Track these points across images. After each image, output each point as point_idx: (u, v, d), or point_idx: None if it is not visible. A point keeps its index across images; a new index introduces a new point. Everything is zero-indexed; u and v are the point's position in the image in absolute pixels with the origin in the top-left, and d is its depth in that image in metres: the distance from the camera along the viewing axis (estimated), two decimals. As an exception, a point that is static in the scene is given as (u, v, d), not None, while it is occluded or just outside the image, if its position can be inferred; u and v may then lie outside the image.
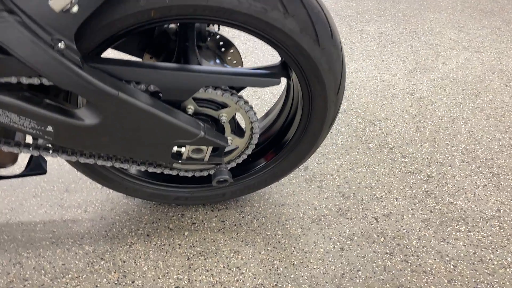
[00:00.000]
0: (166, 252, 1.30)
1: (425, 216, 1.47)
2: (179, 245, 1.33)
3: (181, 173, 1.24)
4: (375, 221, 1.45)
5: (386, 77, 2.42)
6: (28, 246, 1.29)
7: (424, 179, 1.63)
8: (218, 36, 1.24)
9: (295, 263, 1.29)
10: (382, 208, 1.50)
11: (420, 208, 1.50)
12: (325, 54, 1.03)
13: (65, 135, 0.98)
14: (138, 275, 1.22)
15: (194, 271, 1.25)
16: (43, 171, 1.25)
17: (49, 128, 0.96)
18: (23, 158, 1.56)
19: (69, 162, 1.24)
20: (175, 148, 1.08)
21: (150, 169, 1.21)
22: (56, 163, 1.62)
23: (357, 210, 1.49)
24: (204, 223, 1.41)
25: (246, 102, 1.07)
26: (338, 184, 1.60)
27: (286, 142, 1.28)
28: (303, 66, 1.04)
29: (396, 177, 1.64)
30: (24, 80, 0.91)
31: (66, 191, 1.50)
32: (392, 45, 2.81)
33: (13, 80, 0.91)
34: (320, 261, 1.30)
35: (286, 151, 1.29)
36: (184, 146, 1.08)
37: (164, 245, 1.33)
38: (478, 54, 2.68)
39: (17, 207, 1.42)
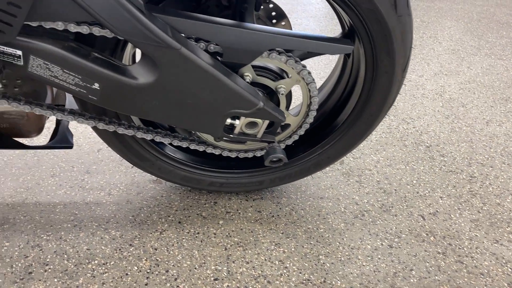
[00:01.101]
0: (201, 241, 1.17)
1: (474, 216, 1.37)
2: (214, 234, 1.20)
3: (225, 153, 1.12)
4: (421, 219, 1.35)
5: (413, 77, 2.35)
6: (48, 228, 1.15)
7: (467, 179, 1.54)
8: (271, 5, 1.14)
9: (342, 259, 1.17)
10: (427, 206, 1.40)
11: (467, 208, 1.40)
12: (400, 23, 0.94)
13: (112, 95, 0.86)
14: (172, 264, 1.09)
15: (233, 262, 1.12)
16: (70, 145, 1.13)
17: (96, 86, 0.84)
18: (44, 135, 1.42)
19: (101, 135, 1.11)
20: (228, 120, 0.97)
21: (193, 146, 1.09)
22: (75, 143, 1.49)
23: (401, 207, 1.39)
24: (239, 213, 1.29)
25: (309, 73, 0.97)
26: (378, 179, 1.50)
27: (338, 124, 1.18)
28: (375, 34, 0.94)
29: (437, 175, 1.55)
30: (72, 28, 0.80)
31: (87, 172, 1.37)
32: (414, 48, 2.75)
33: (60, 26, 0.79)
34: (369, 258, 1.18)
35: (337, 135, 1.18)
36: (239, 118, 0.97)
37: (198, 233, 1.20)
38: (501, 61, 2.64)
39: (33, 187, 1.28)
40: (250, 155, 1.14)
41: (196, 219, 1.25)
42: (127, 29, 0.76)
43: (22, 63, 0.82)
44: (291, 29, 1.20)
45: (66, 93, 1.10)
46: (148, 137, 1.03)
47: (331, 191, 1.42)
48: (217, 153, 1.12)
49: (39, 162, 1.38)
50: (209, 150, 1.11)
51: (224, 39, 0.85)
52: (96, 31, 0.81)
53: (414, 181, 1.51)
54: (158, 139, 1.05)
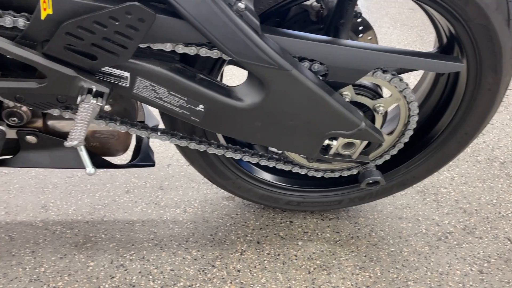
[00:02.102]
0: (283, 263, 1.14)
1: None
2: (295, 256, 1.16)
3: (311, 173, 1.09)
4: (509, 242, 1.27)
5: (475, 88, 2.25)
6: (130, 247, 1.14)
7: (551, 199, 1.45)
8: (359, 19, 1.10)
9: (432, 285, 1.11)
10: (513, 228, 1.32)
11: (557, 230, 1.32)
12: (511, 39, 0.88)
13: (215, 117, 0.83)
14: (258, 287, 1.06)
15: (320, 287, 1.08)
16: (152, 163, 1.11)
17: (200, 108, 0.82)
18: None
19: (184, 153, 1.10)
20: (325, 141, 0.93)
21: (279, 165, 1.06)
22: (142, 159, 1.48)
23: (484, 228, 1.31)
24: (317, 233, 1.25)
25: (412, 91, 0.92)
26: (456, 198, 1.43)
27: (427, 143, 1.12)
28: (483, 50, 0.89)
29: (518, 194, 1.46)
30: (180, 49, 0.78)
31: (160, 188, 1.36)
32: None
33: (168, 47, 0.78)
34: (460, 285, 1.12)
35: (426, 154, 1.13)
36: (336, 139, 0.93)
37: (278, 254, 1.16)
38: None
39: (110, 203, 1.28)
40: (336, 175, 1.10)
41: (274, 239, 1.21)
42: (241, 51, 0.74)
43: (128, 85, 0.80)
44: (377, 41, 1.16)
45: (145, 110, 1.09)
46: (237, 156, 1.01)
47: (408, 211, 1.36)
48: (302, 173, 1.08)
49: (113, 178, 1.38)
50: (295, 169, 1.07)
51: (332, 58, 0.82)
52: (203, 52, 0.79)
53: (494, 201, 1.43)
54: (246, 158, 1.02)
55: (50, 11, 0.66)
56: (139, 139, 1.16)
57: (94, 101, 0.75)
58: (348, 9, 0.94)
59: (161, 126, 1.04)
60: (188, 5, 0.70)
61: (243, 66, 0.78)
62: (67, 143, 0.68)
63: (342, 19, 0.95)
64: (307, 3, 1.05)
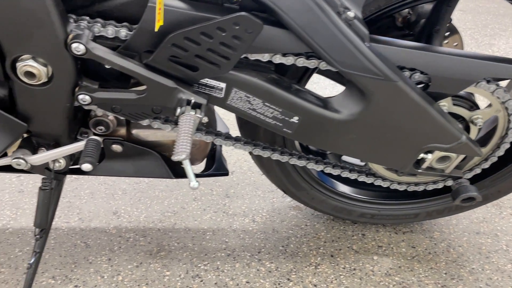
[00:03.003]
0: (360, 279, 1.09)
1: None
2: (372, 271, 1.12)
3: (393, 186, 1.04)
4: None
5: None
6: (203, 257, 1.12)
7: None
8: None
9: (522, 307, 1.04)
10: None
11: None
12: None
13: (308, 129, 0.80)
14: (337, 304, 1.02)
15: (402, 305, 1.03)
16: (226, 172, 1.09)
17: (294, 119, 0.80)
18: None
19: (259, 163, 1.07)
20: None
21: (362, 178, 1.02)
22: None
23: None
24: (392, 248, 1.20)
25: (515, 103, 0.86)
26: (536, 213, 1.35)
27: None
28: None
29: None
30: (277, 59, 0.75)
31: (226, 196, 1.34)
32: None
33: (265, 58, 0.75)
34: (553, 308, 1.04)
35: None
36: (431, 152, 0.88)
37: (354, 269, 1.12)
38: None
39: (179, 211, 1.27)
40: (420, 188, 1.05)
41: (348, 253, 1.17)
42: (347, 61, 0.70)
43: (222, 96, 0.78)
44: (463, 46, 1.10)
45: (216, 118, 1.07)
46: (319, 168, 0.97)
47: (485, 226, 1.29)
48: (385, 186, 1.04)
49: (179, 185, 1.37)
50: (378, 182, 1.03)
51: (436, 67, 0.77)
52: (300, 61, 0.76)
53: None
54: (328, 170, 0.98)
55: (161, 22, 0.65)
56: (213, 148, 1.15)
57: (193, 112, 0.74)
58: (446, 15, 0.89)
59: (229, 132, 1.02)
60: (295, 15, 0.67)
61: (347, 77, 0.74)
62: (175, 157, 0.67)
63: (436, 26, 0.90)
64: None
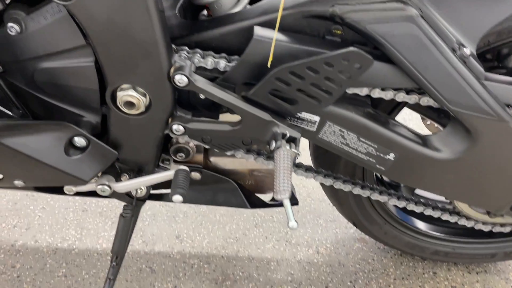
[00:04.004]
0: (436, 322, 1.03)
1: None
2: (448, 314, 1.06)
3: (477, 226, 0.98)
4: None
5: None
6: (270, 288, 1.09)
7: None
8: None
9: None
10: None
11: None
12: None
13: (404, 167, 0.77)
14: None
15: None
16: (296, 202, 1.06)
17: (390, 156, 0.76)
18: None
19: (332, 194, 1.04)
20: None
21: (445, 216, 0.96)
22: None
23: None
24: (467, 289, 1.13)
25: None
26: None
27: None
28: None
29: None
30: (377, 94, 0.72)
31: (287, 224, 1.31)
32: None
33: (363, 91, 0.72)
34: None
35: None
36: (529, 195, 0.82)
37: (428, 311, 1.06)
38: None
39: (241, 237, 1.25)
40: (507, 229, 0.98)
41: (420, 292, 1.11)
42: (459, 100, 0.67)
43: (314, 129, 0.76)
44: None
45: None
46: (401, 204, 0.93)
47: None
48: (469, 226, 0.98)
49: (239, 210, 1.35)
50: (462, 222, 0.97)
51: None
52: (400, 96, 0.73)
53: None
54: (411, 207, 0.94)
55: (271, 57, 0.63)
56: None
57: (288, 146, 0.71)
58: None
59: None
60: (406, 50, 0.64)
61: (456, 115, 0.70)
62: (278, 197, 0.64)
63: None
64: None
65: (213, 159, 0.95)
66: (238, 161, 0.96)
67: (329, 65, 0.64)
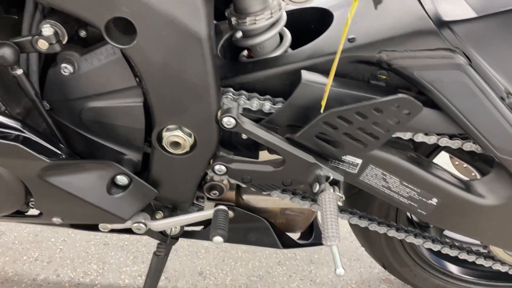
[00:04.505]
0: None
1: None
2: None
3: (502, 268, 0.96)
4: None
5: None
6: (297, 331, 1.06)
7: None
8: None
9: None
10: None
11: None
12: None
13: (447, 212, 0.76)
14: None
15: None
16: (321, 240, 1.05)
17: (433, 201, 0.75)
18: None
19: (365, 237, 1.02)
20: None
21: (480, 261, 0.95)
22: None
23: None
24: (499, 335, 1.10)
25: None
26: None
27: None
28: None
29: None
30: (420, 138, 0.72)
31: (311, 262, 1.28)
32: None
33: (407, 135, 0.72)
34: None
35: None
36: None
37: None
38: None
39: (265, 275, 1.22)
40: (543, 275, 0.96)
41: (451, 338, 1.08)
42: (507, 147, 0.67)
43: (355, 172, 0.76)
44: None
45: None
46: (436, 247, 0.91)
47: None
48: (503, 270, 0.96)
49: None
50: (496, 266, 0.95)
51: None
52: (443, 141, 0.72)
53: None
54: (445, 250, 0.92)
55: (323, 102, 0.64)
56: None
57: (331, 189, 0.71)
58: None
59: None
60: (455, 98, 0.65)
61: (499, 159, 0.70)
62: (328, 243, 0.63)
63: None
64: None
65: (245, 196, 0.94)
66: (270, 200, 0.95)
67: (378, 110, 0.65)
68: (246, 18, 0.75)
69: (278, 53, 0.80)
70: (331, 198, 0.68)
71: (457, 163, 1.11)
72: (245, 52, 0.87)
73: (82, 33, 0.68)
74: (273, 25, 0.77)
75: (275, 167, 0.74)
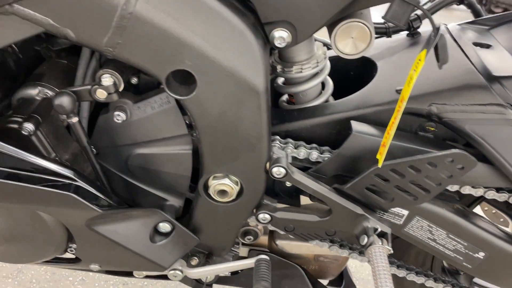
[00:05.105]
0: None
1: None
2: None
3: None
4: None
5: None
6: None
7: None
8: None
9: None
10: None
11: None
12: None
13: (493, 266, 0.74)
14: None
15: None
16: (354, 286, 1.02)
17: (479, 255, 0.74)
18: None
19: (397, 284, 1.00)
20: None
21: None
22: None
23: None
24: None
25: None
26: None
27: None
28: None
29: None
30: (467, 190, 0.72)
31: (336, 307, 1.25)
32: None
33: (454, 187, 0.72)
34: None
35: None
36: None
37: None
38: None
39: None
40: None
41: None
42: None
43: (401, 223, 0.74)
44: None
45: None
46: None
47: None
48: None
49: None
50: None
51: None
52: (490, 194, 0.72)
53: None
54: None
55: (380, 157, 0.63)
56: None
57: (380, 242, 0.69)
58: None
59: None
60: (507, 153, 0.65)
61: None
62: (383, 301, 0.62)
63: None
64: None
65: (279, 242, 0.92)
66: (305, 246, 0.93)
67: (432, 164, 0.64)
68: (293, 66, 0.75)
69: (320, 100, 0.80)
70: (382, 252, 0.67)
71: (486, 208, 1.10)
72: (285, 97, 0.87)
73: (134, 80, 0.68)
74: (318, 73, 0.78)
75: (321, 217, 0.72)
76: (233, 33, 0.57)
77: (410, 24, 0.86)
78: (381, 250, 0.67)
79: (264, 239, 0.93)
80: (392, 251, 0.71)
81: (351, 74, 0.88)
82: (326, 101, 0.81)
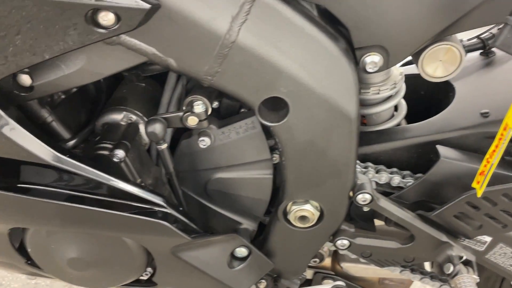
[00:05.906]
0: None
1: None
2: None
3: None
4: None
5: None
6: None
7: None
8: None
9: None
10: None
11: None
12: None
13: None
14: None
15: None
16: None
17: None
18: None
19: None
20: None
21: None
22: None
23: None
24: None
25: None
26: None
27: None
28: None
29: None
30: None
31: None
32: None
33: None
34: None
35: None
36: None
37: None
38: None
39: None
40: None
41: None
42: None
43: (483, 249, 0.72)
44: None
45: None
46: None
47: None
48: None
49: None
50: None
51: None
52: None
53: None
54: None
55: (477, 186, 0.61)
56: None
57: (466, 271, 0.67)
58: None
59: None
60: None
61: None
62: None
63: None
64: None
65: (344, 264, 0.90)
66: (371, 269, 0.91)
67: (527, 192, 0.62)
68: (370, 88, 0.73)
69: (394, 122, 0.78)
70: (471, 282, 0.64)
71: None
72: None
73: (215, 104, 0.67)
74: (393, 95, 0.76)
75: (402, 244, 0.70)
76: (328, 60, 0.56)
77: (484, 43, 0.83)
78: (470, 280, 0.65)
79: (327, 261, 0.91)
80: (478, 280, 0.69)
81: (422, 93, 0.86)
82: (399, 123, 0.80)
